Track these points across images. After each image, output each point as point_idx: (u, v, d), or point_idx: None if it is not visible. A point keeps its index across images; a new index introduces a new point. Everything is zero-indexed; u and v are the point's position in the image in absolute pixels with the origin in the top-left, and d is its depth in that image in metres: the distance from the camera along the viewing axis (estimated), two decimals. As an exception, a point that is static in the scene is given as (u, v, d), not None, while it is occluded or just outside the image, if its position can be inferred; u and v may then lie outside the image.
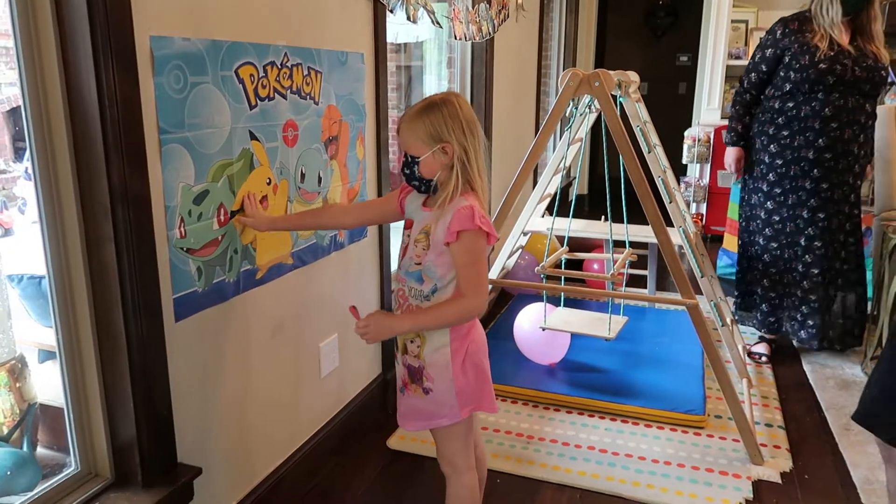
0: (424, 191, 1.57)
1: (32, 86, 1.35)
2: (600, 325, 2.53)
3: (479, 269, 1.50)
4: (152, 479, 1.57)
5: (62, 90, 1.36)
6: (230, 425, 1.82)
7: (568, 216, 2.83)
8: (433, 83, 3.62)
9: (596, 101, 2.33)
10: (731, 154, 3.11)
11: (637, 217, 2.54)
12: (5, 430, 2.35)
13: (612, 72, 2.31)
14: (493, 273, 2.98)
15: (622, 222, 2.56)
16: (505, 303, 3.66)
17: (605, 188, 2.70)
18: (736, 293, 3.25)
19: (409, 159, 1.51)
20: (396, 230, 2.57)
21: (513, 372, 2.83)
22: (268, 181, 1.83)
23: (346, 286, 2.29)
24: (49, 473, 2.36)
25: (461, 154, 1.48)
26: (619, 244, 2.64)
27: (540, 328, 2.62)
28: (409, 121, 1.51)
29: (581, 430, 2.49)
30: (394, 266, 2.57)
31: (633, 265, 3.07)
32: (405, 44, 3.72)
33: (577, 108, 2.61)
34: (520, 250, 3.29)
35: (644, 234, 3.08)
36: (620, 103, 2.56)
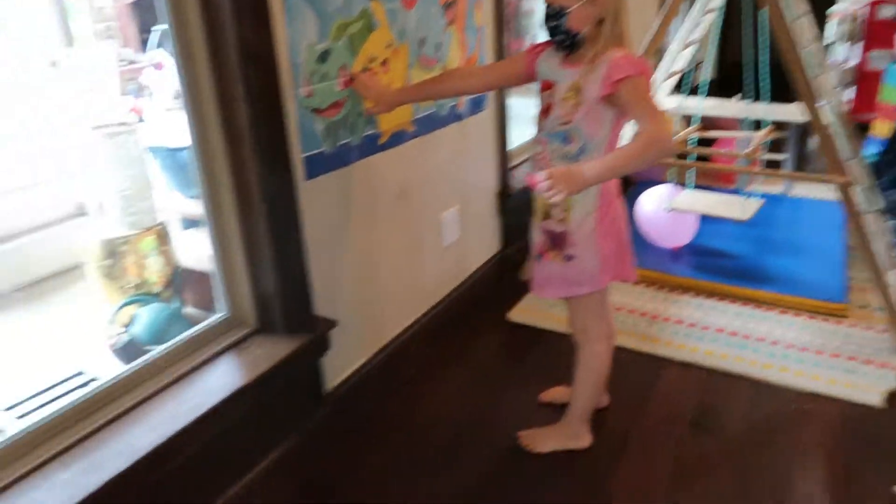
0: (569, 46, 1.44)
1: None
2: (733, 206, 2.37)
3: (655, 104, 1.39)
4: (292, 328, 1.68)
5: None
6: (360, 285, 1.90)
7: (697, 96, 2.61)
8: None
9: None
10: None
11: (775, 97, 2.30)
12: (157, 290, 2.60)
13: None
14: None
15: (760, 101, 2.33)
16: (626, 188, 3.49)
17: (740, 68, 2.45)
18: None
19: (557, 10, 1.40)
20: (517, 104, 2.49)
21: (636, 255, 2.72)
22: (388, 44, 1.80)
23: (465, 159, 2.27)
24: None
25: (611, 5, 1.38)
26: (756, 126, 2.42)
27: (665, 209, 2.50)
28: None
29: (709, 312, 2.40)
30: (522, 137, 2.50)
31: (770, 149, 2.82)
32: None
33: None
34: (646, 131, 3.09)
35: (784, 112, 2.82)
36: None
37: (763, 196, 2.62)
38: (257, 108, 1.46)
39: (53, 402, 2.18)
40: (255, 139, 1.49)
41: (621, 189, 1.59)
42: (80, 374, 2.34)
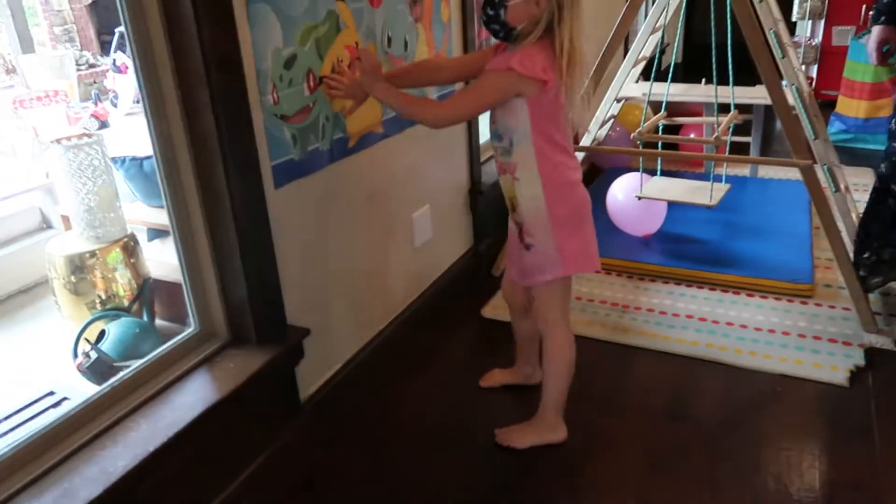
0: (502, 38, 1.46)
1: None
2: (700, 192, 2.41)
3: (469, 99, 1.52)
4: (265, 339, 1.66)
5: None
6: (332, 290, 1.89)
7: (664, 82, 2.64)
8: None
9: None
10: (876, 35, 2.36)
11: (740, 79, 2.33)
12: (126, 303, 2.56)
13: None
14: (585, 142, 2.86)
15: (726, 84, 2.36)
16: (595, 176, 3.54)
17: (707, 53, 2.48)
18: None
19: (496, 0, 1.40)
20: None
21: (606, 244, 2.68)
22: (355, 45, 1.78)
23: (435, 157, 2.27)
24: (168, 341, 2.58)
25: (553, 10, 1.37)
26: (722, 109, 2.45)
27: (635, 197, 2.53)
28: None
29: (678, 299, 2.44)
30: (483, 138, 2.52)
31: (735, 131, 2.86)
32: None
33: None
34: (611, 120, 3.12)
35: (749, 95, 2.87)
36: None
37: (729, 179, 2.66)
38: (223, 116, 1.44)
39: (26, 425, 2.15)
40: (222, 147, 1.46)
41: (582, 179, 1.60)
42: (51, 393, 2.29)
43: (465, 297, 2.47)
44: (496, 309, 2.40)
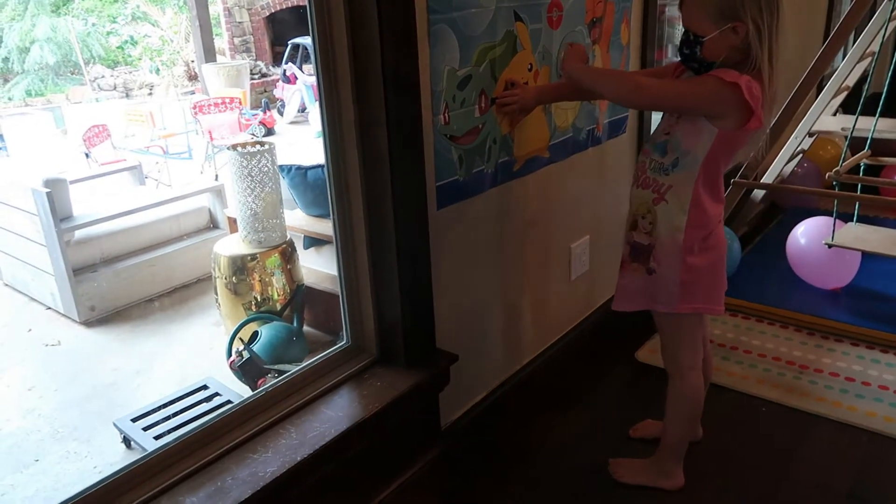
0: (702, 73, 1.36)
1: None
2: (908, 245, 2.09)
3: (681, 90, 1.38)
4: (413, 360, 1.62)
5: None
6: (483, 317, 1.82)
7: (866, 115, 2.33)
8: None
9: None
10: None
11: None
12: (279, 307, 2.65)
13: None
14: (768, 178, 2.59)
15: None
16: (773, 216, 3.21)
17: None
18: None
19: (692, 37, 1.33)
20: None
21: (783, 294, 2.49)
22: (529, 67, 1.71)
23: (601, 185, 2.14)
24: (314, 349, 2.64)
25: (754, 35, 1.27)
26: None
27: (824, 244, 2.24)
28: None
29: (870, 365, 2.13)
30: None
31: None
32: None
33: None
34: (800, 155, 2.81)
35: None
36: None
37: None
38: (396, 135, 1.41)
39: (179, 416, 2.27)
40: (392, 166, 1.44)
41: (723, 218, 1.51)
42: (204, 387, 2.41)
43: (619, 336, 2.30)
44: (653, 353, 2.22)
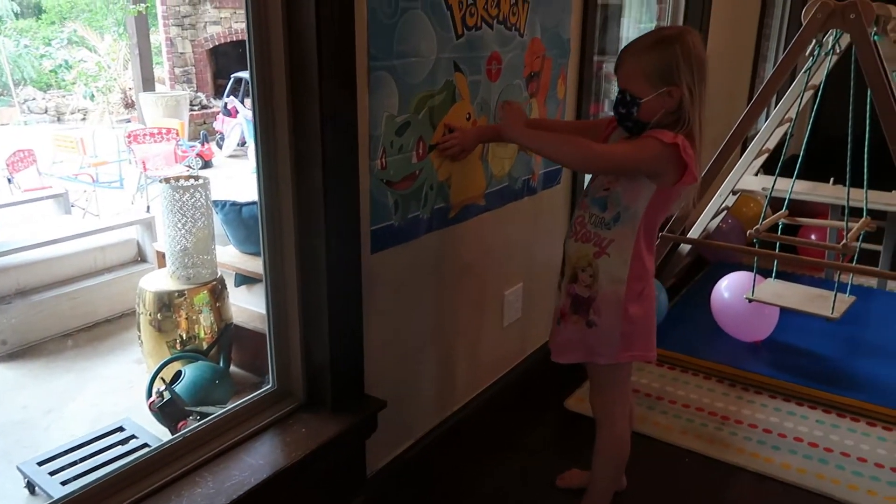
0: (637, 133, 1.42)
1: (256, 15, 1.35)
2: (821, 302, 2.20)
3: (628, 153, 1.40)
4: (340, 406, 1.58)
5: (282, 14, 1.34)
6: (413, 363, 1.80)
7: (785, 176, 2.46)
8: (632, 25, 3.31)
9: (840, 41, 1.97)
10: None
11: (877, 182, 2.15)
12: (205, 346, 2.56)
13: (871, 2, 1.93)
14: (694, 233, 2.70)
15: (859, 186, 2.18)
16: (699, 269, 3.34)
17: (833, 146, 2.32)
18: None
19: (629, 98, 1.38)
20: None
21: (707, 345, 2.57)
22: (467, 116, 1.74)
23: (534, 234, 2.18)
24: (240, 390, 2.55)
25: (687, 99, 1.34)
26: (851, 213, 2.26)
27: (745, 299, 2.34)
28: (636, 54, 1.39)
29: (787, 418, 2.20)
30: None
31: (864, 238, 2.63)
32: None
33: (819, 47, 2.21)
34: (725, 211, 2.95)
35: (885, 201, 2.65)
36: (874, 42, 2.15)
37: (855, 290, 2.42)
38: (332, 175, 1.41)
39: (91, 459, 2.14)
40: (326, 206, 1.42)
41: (655, 271, 1.57)
42: (121, 428, 2.29)
43: (550, 383, 2.32)
44: (581, 401, 2.24)
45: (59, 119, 9.82)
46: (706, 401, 2.29)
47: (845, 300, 2.18)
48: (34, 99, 9.93)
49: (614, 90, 3.09)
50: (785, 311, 2.45)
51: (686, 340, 2.59)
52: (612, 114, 1.50)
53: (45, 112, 9.86)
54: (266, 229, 1.50)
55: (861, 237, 2.25)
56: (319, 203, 1.42)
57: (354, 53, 1.39)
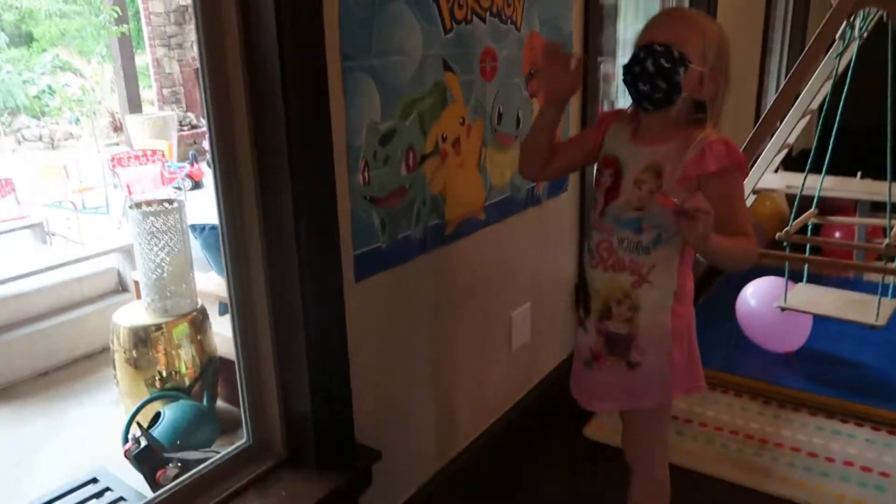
0: (657, 103, 1.15)
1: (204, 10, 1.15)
2: (863, 308, 1.98)
3: (747, 209, 1.31)
4: (327, 462, 1.38)
5: (236, 9, 1.14)
6: (412, 402, 1.60)
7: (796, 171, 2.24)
8: (629, 23, 3.11)
9: (869, 23, 1.76)
10: None
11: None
12: (187, 382, 2.35)
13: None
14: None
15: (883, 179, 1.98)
16: (715, 275, 3.11)
17: (852, 139, 2.11)
18: None
19: (676, 56, 1.11)
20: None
21: (736, 359, 2.36)
22: (461, 121, 1.54)
23: (543, 247, 1.98)
24: (227, 429, 2.34)
25: (724, 91, 1.20)
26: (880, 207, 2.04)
27: (777, 307, 2.12)
28: (699, 19, 1.21)
29: (832, 438, 1.98)
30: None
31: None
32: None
33: (851, 30, 1.98)
34: (744, 213, 2.73)
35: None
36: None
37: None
38: (304, 194, 1.20)
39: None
40: (298, 233, 1.22)
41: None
42: (94, 480, 2.08)
43: (565, 411, 2.09)
44: (601, 429, 2.02)
45: (53, 145, 9.67)
46: (740, 422, 2.07)
47: (890, 304, 1.97)
48: (28, 127, 9.79)
49: (614, 90, 2.91)
50: (818, 317, 2.23)
51: (712, 354, 2.35)
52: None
53: (40, 139, 9.71)
54: (230, 261, 1.30)
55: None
56: (290, 232, 1.22)
57: (324, 52, 1.19)
